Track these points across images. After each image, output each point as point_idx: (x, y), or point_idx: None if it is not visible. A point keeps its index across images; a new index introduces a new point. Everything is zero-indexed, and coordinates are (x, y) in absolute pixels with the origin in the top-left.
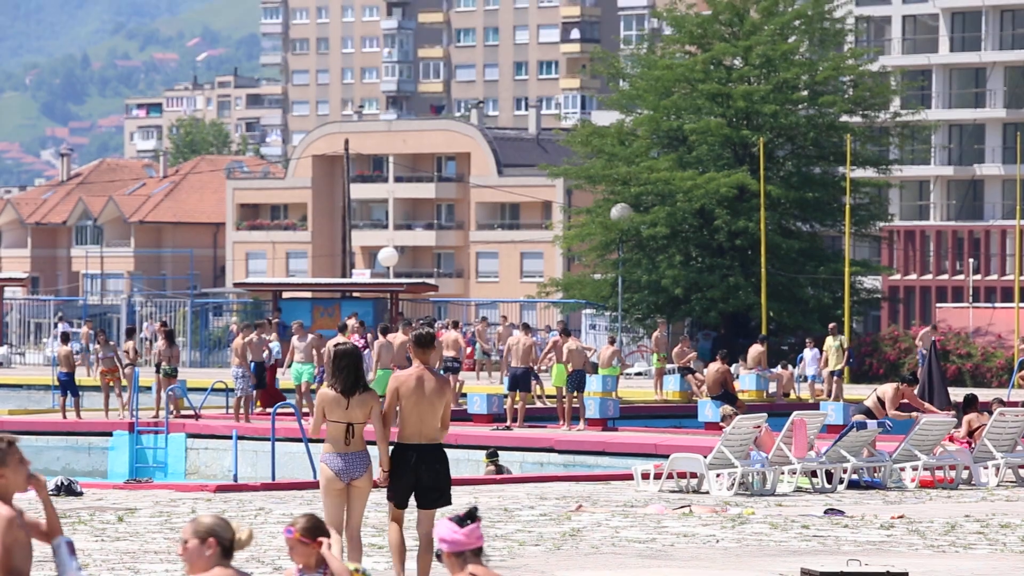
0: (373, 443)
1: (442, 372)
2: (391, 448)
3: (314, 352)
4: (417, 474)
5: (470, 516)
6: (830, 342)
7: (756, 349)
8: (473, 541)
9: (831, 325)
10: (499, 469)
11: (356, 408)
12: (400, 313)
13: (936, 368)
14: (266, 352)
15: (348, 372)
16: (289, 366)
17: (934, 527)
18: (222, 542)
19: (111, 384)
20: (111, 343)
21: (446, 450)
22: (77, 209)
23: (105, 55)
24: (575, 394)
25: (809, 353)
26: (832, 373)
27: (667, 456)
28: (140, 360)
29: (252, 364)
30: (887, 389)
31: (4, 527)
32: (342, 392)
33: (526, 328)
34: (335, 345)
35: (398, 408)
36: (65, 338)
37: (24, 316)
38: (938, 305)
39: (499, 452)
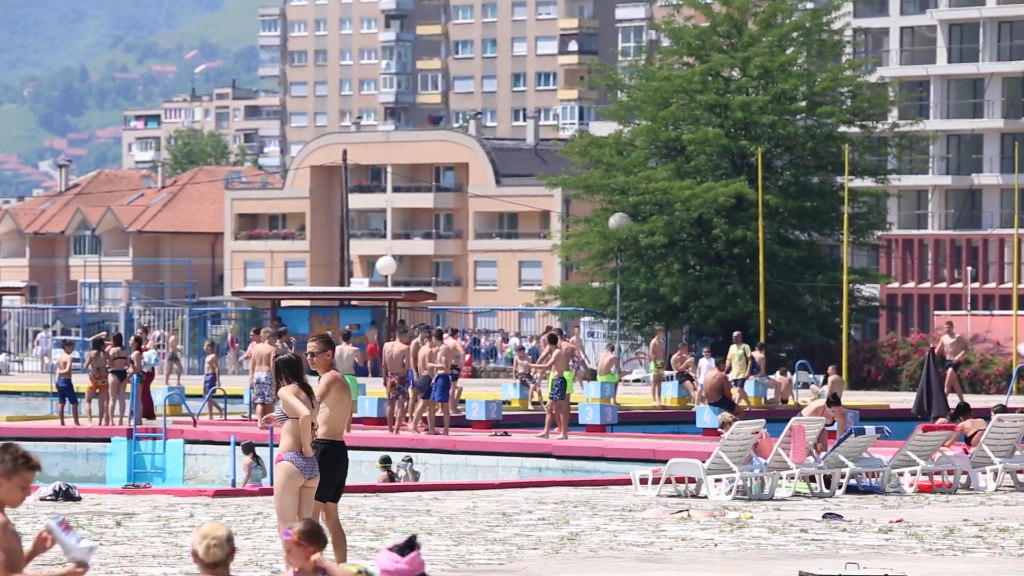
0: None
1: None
2: (323, 446)
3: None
4: (340, 471)
5: (410, 545)
6: (733, 350)
7: (755, 356)
8: (416, 568)
9: (735, 333)
10: (391, 476)
11: (315, 410)
12: (402, 320)
13: (934, 375)
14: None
15: (301, 376)
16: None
17: (932, 531)
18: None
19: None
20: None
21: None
22: (75, 219)
23: (103, 68)
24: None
25: (704, 362)
26: (735, 382)
27: (665, 461)
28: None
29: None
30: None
31: None
32: (308, 394)
33: (435, 334)
34: (277, 355)
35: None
36: (66, 346)
37: (22, 324)
38: (936, 313)
39: (391, 458)
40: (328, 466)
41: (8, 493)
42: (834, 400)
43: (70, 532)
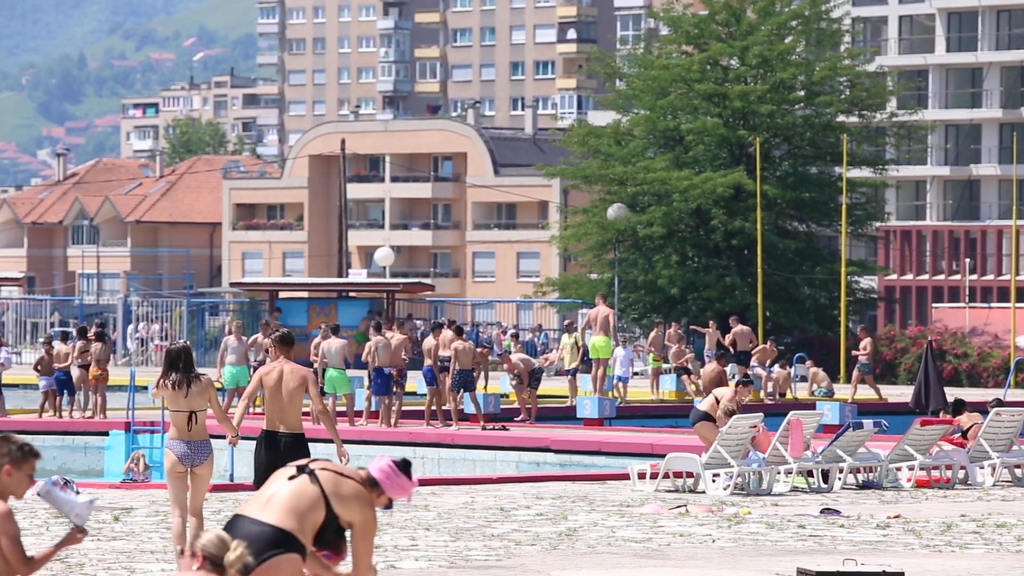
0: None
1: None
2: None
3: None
4: (281, 461)
5: (405, 466)
6: (565, 340)
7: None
8: (407, 487)
9: (566, 322)
10: None
11: (196, 397)
12: (410, 315)
13: (932, 369)
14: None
15: (184, 365)
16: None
17: (930, 527)
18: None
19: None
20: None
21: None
22: (73, 209)
23: (101, 55)
24: (459, 393)
25: (622, 352)
26: (568, 372)
27: (663, 456)
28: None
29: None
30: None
31: (3, 520)
32: (175, 385)
33: (399, 325)
34: (169, 344)
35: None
36: (65, 337)
37: (20, 316)
38: (934, 305)
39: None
40: (262, 455)
41: (18, 483)
42: (746, 379)
43: (67, 489)
